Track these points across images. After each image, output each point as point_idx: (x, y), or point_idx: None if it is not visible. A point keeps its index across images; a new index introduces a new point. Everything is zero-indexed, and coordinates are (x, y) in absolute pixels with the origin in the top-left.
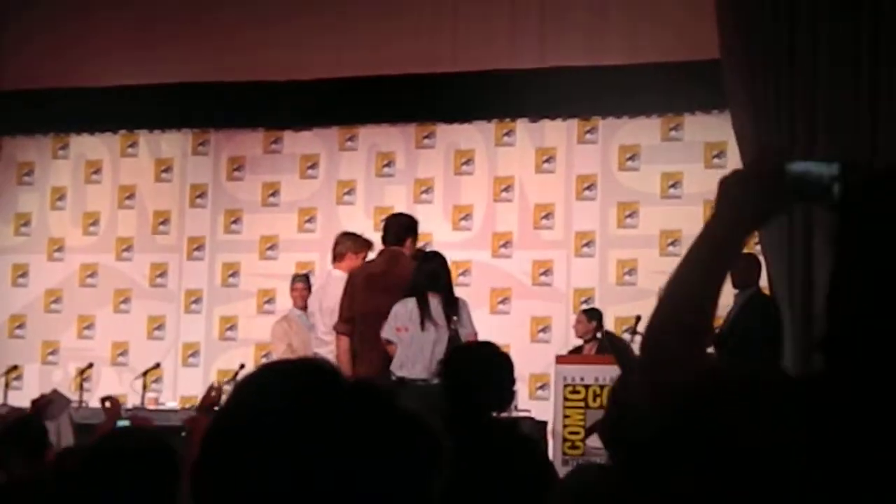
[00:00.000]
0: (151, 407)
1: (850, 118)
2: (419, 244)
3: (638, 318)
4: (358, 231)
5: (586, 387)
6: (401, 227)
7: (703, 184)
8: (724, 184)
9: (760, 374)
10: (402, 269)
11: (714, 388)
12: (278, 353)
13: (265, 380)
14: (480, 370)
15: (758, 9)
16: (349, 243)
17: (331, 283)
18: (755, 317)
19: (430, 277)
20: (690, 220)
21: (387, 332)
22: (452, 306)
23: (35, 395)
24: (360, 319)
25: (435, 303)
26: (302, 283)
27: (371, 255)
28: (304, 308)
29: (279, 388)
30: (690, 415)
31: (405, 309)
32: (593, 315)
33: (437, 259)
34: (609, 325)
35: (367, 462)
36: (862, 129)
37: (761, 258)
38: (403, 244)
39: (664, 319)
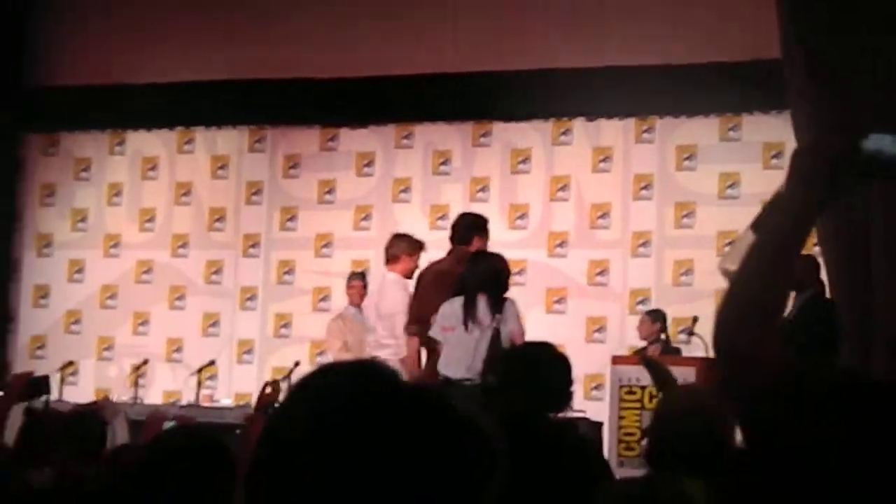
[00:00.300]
0: (206, 404)
1: None
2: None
3: (695, 319)
4: (414, 230)
5: (642, 388)
6: (467, 227)
7: (760, 184)
8: (796, 158)
9: (851, 379)
10: (455, 268)
11: (806, 394)
12: (333, 350)
13: (323, 381)
14: (536, 370)
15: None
16: (403, 245)
17: (386, 287)
18: (814, 319)
19: (478, 278)
20: (748, 221)
21: (434, 332)
22: (498, 305)
23: (90, 391)
24: (428, 319)
25: (482, 303)
26: (358, 280)
27: (424, 256)
28: (360, 306)
29: (337, 389)
30: (780, 422)
31: (451, 309)
32: (658, 316)
33: (488, 259)
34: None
35: (424, 465)
36: None
37: (820, 259)
38: (470, 243)
39: (738, 300)
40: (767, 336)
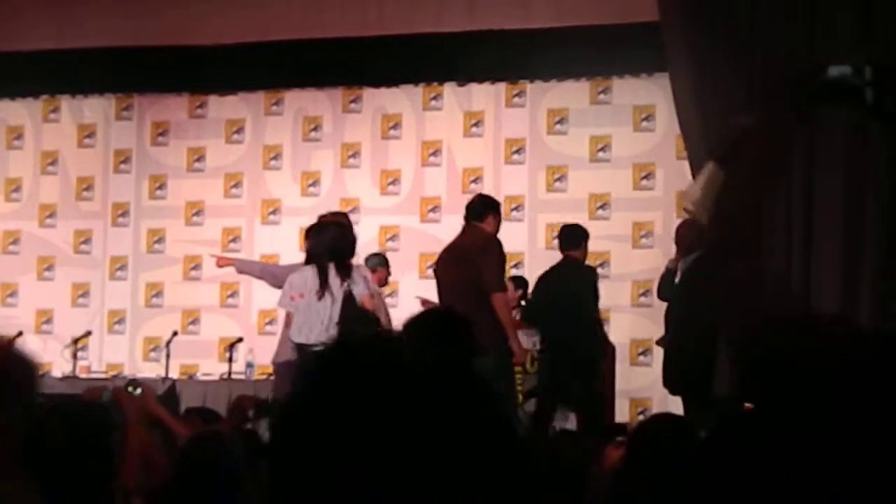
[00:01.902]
0: (84, 375)
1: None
2: (347, 209)
3: None
4: (285, 197)
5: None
6: (484, 204)
7: (631, 147)
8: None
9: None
10: (476, 240)
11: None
12: None
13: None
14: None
15: None
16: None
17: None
18: (702, 279)
19: (325, 245)
20: (619, 184)
21: (283, 302)
22: (347, 271)
23: None
24: (441, 291)
25: (332, 270)
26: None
27: (293, 221)
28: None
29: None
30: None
31: (301, 277)
32: (519, 283)
33: (332, 227)
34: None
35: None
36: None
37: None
38: (485, 220)
39: (733, 213)
40: (764, 256)
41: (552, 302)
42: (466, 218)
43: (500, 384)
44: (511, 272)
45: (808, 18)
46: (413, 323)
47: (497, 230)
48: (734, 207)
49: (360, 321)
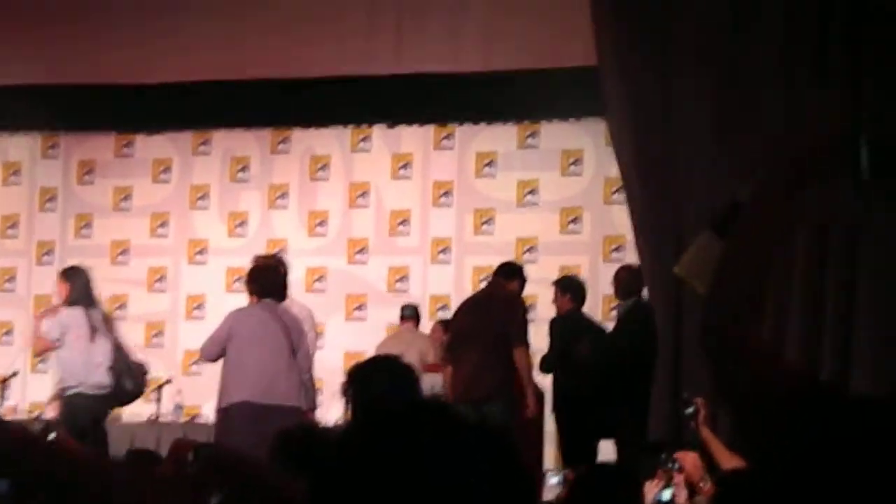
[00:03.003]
0: (9, 417)
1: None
2: (274, 250)
3: None
4: (211, 238)
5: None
6: (513, 268)
7: (559, 191)
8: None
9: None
10: (502, 295)
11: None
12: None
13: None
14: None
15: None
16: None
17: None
18: (638, 325)
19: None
20: (546, 228)
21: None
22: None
23: None
24: (456, 337)
25: (96, 314)
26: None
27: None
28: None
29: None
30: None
31: (72, 317)
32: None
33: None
34: None
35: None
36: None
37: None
38: (512, 280)
39: (725, 304)
40: (754, 334)
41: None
42: (496, 274)
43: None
44: (437, 315)
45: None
46: (361, 369)
47: (521, 293)
48: (736, 276)
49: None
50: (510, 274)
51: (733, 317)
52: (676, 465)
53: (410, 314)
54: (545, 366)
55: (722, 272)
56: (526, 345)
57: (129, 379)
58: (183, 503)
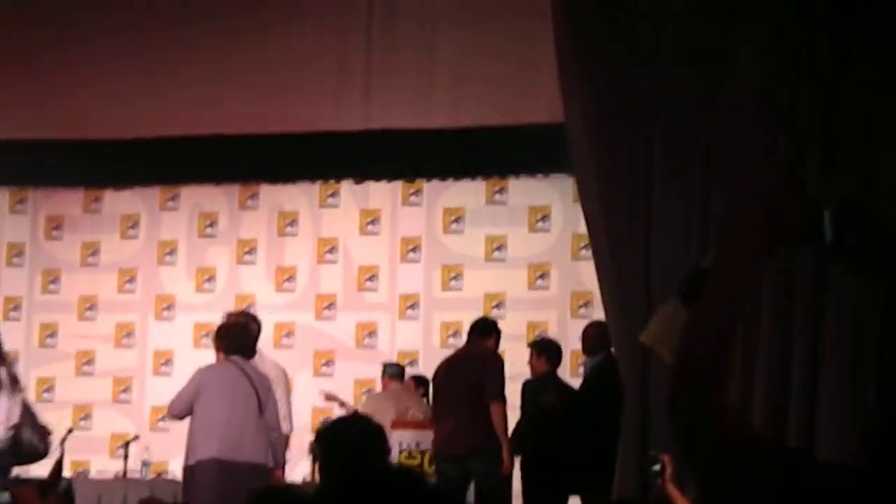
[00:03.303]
0: None
1: (689, 179)
2: (242, 306)
3: None
4: (179, 293)
5: (422, 452)
6: (488, 324)
7: (527, 247)
8: (737, 227)
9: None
10: (480, 353)
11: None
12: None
13: None
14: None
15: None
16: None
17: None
18: (605, 382)
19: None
20: (514, 283)
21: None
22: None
23: None
24: (439, 396)
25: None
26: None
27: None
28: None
29: None
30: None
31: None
32: (420, 382)
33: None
34: None
35: None
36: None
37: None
38: (489, 337)
39: (696, 376)
40: (720, 400)
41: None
42: (471, 334)
43: (493, 484)
44: (408, 371)
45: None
46: (328, 429)
47: (497, 349)
48: (701, 344)
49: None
50: (485, 331)
51: (699, 385)
52: None
53: (395, 373)
54: (519, 441)
55: (687, 340)
56: (502, 401)
57: (34, 436)
58: None
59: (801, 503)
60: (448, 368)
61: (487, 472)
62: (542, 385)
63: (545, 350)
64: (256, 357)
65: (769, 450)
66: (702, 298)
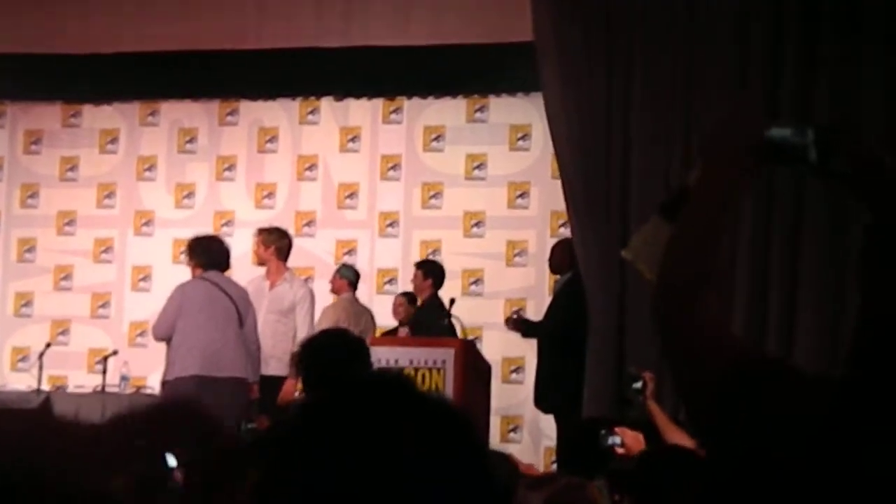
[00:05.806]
0: None
1: (667, 96)
2: (221, 222)
3: (452, 301)
4: (158, 209)
5: (401, 369)
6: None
7: (507, 166)
8: (712, 146)
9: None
10: None
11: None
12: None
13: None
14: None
15: None
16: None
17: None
18: (572, 300)
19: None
20: (494, 202)
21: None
22: None
23: None
24: None
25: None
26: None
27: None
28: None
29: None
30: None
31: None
32: (412, 298)
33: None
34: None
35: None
36: (677, 107)
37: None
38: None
39: (677, 285)
40: (707, 309)
41: None
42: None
43: None
44: (385, 287)
45: (688, 41)
46: (311, 343)
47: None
48: (684, 259)
49: None
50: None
51: (682, 298)
52: (618, 441)
53: (349, 275)
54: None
55: (670, 256)
56: None
57: None
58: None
59: (781, 409)
60: None
61: None
62: (435, 311)
63: (432, 272)
64: (287, 274)
65: (751, 356)
66: (685, 215)
